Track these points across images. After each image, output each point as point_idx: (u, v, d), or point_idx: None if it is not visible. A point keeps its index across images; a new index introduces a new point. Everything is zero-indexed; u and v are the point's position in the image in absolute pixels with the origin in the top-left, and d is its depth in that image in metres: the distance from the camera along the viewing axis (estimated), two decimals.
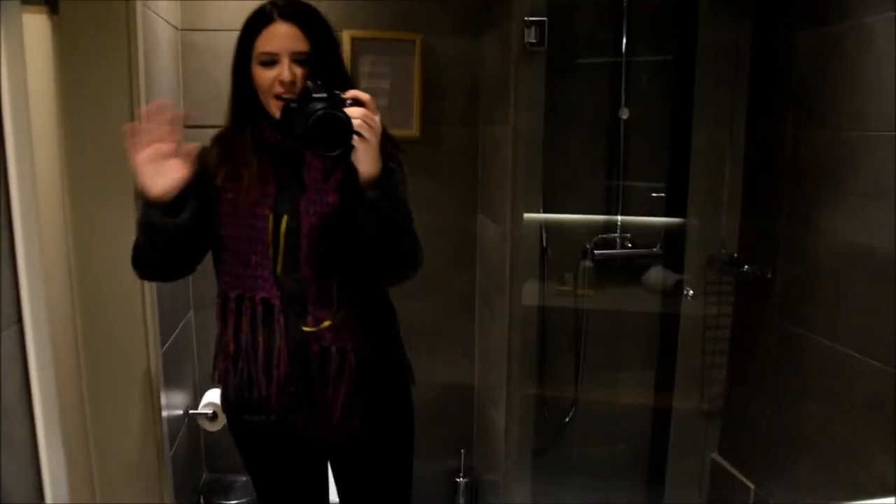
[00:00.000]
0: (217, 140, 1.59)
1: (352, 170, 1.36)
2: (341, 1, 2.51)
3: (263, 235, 1.49)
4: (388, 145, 1.51)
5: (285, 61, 1.43)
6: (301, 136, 1.31)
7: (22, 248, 1.25)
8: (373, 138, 1.32)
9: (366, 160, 1.33)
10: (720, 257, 2.60)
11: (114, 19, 1.89)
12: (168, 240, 1.42)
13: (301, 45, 1.44)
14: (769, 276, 2.34)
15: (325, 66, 1.47)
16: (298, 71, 1.44)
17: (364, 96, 1.34)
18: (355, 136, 1.30)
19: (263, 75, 1.45)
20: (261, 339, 1.51)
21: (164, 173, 1.35)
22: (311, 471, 1.71)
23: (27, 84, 1.29)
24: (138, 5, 1.92)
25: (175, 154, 1.36)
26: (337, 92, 1.34)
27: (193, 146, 1.42)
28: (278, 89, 1.44)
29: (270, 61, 1.44)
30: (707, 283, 2.64)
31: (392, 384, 1.67)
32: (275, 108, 1.46)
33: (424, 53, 2.61)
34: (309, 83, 1.37)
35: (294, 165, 1.50)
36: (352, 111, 1.31)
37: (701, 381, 2.74)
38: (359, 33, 2.52)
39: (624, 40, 2.63)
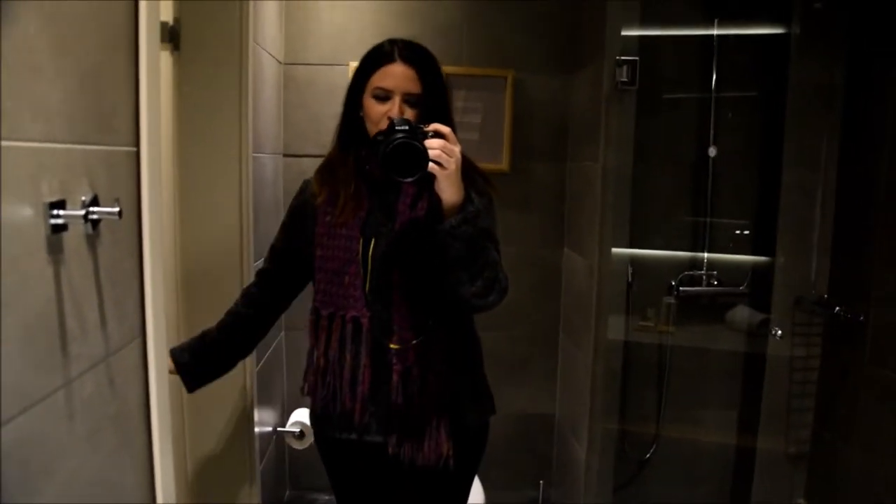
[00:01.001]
0: (321, 167, 1.71)
1: (437, 199, 1.43)
2: (435, 36, 2.61)
3: (356, 257, 1.58)
4: (478, 178, 1.61)
5: (397, 99, 1.53)
6: (380, 162, 1.40)
7: (149, 266, 1.34)
8: (451, 167, 1.39)
9: (446, 188, 1.40)
10: (809, 298, 2.55)
11: (228, 55, 2.02)
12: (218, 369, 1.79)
13: (415, 87, 1.54)
14: (861, 318, 2.29)
15: (433, 109, 1.56)
16: (408, 111, 1.54)
17: (444, 129, 1.42)
18: (435, 166, 1.38)
19: (375, 109, 1.55)
20: (348, 357, 1.59)
21: None
22: (391, 485, 1.75)
23: (160, 114, 1.40)
24: (250, 42, 2.04)
25: None
26: (419, 125, 1.43)
27: None
28: (386, 123, 1.51)
29: (384, 97, 1.54)
30: (795, 324, 2.60)
31: (472, 412, 1.70)
32: None
33: (516, 89, 2.68)
34: (394, 118, 1.46)
35: (389, 193, 1.59)
36: (431, 142, 1.39)
37: (786, 424, 2.68)
38: (452, 69, 2.60)
39: (713, 78, 2.64)
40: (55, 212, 0.87)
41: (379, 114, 1.54)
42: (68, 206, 0.90)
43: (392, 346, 1.56)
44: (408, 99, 1.54)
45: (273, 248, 1.76)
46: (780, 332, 2.56)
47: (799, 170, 2.52)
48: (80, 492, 0.99)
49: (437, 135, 1.41)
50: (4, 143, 0.77)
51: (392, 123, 1.43)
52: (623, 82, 2.27)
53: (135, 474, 1.26)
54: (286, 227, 1.74)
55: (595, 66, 2.42)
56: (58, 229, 0.88)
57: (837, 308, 2.42)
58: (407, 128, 1.41)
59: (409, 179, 1.40)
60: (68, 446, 0.95)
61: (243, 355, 1.81)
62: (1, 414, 0.78)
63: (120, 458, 1.16)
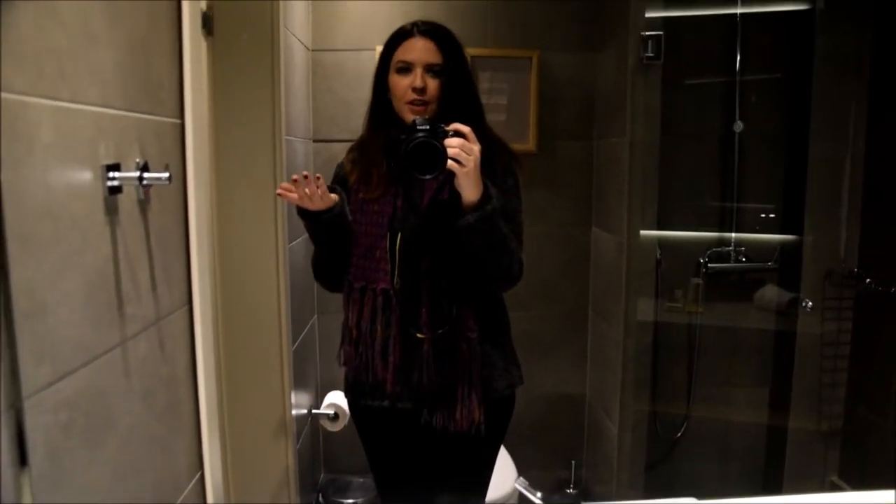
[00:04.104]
0: (353, 147, 1.78)
1: (457, 195, 1.50)
2: (459, 19, 2.63)
3: (386, 232, 1.64)
4: (506, 156, 1.67)
5: (419, 71, 1.60)
6: (400, 160, 1.47)
7: (194, 235, 1.39)
8: (470, 165, 1.44)
9: (465, 185, 1.46)
10: (839, 271, 2.54)
11: (260, 41, 2.06)
12: (333, 248, 1.68)
13: (435, 57, 1.60)
14: (893, 289, 2.29)
15: (454, 79, 1.62)
16: (431, 81, 1.60)
17: (464, 129, 1.47)
18: (454, 163, 1.43)
19: (399, 82, 1.62)
20: (379, 327, 1.64)
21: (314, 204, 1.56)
22: (422, 452, 1.79)
23: (203, 90, 1.44)
24: (281, 28, 2.08)
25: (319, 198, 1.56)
26: (440, 125, 1.49)
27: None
28: (411, 95, 1.60)
29: (406, 69, 1.61)
30: (825, 299, 2.59)
31: (502, 380, 1.73)
32: (407, 114, 1.62)
33: (541, 69, 2.69)
34: (416, 119, 1.53)
35: (416, 181, 1.63)
36: (450, 141, 1.44)
37: (818, 400, 2.68)
38: (477, 51, 2.62)
39: (738, 53, 2.64)
40: (112, 174, 0.91)
41: (403, 87, 1.61)
42: (122, 169, 0.94)
43: (420, 335, 1.62)
44: (429, 69, 1.60)
45: None
46: (810, 303, 2.55)
47: (826, 143, 2.51)
48: (137, 447, 1.03)
49: (458, 134, 1.46)
50: (67, 105, 0.81)
51: (414, 123, 1.49)
52: (648, 57, 2.28)
53: (184, 438, 1.30)
54: None
55: (619, 42, 2.43)
56: (114, 191, 0.92)
57: (868, 280, 2.41)
58: (428, 127, 1.47)
59: (428, 176, 1.46)
60: (125, 402, 0.99)
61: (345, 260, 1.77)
62: (66, 365, 0.82)
63: (170, 420, 1.20)
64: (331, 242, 1.68)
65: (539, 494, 2.12)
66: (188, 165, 1.28)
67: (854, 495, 1.26)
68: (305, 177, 1.51)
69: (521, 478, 2.41)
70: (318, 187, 1.52)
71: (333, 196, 1.58)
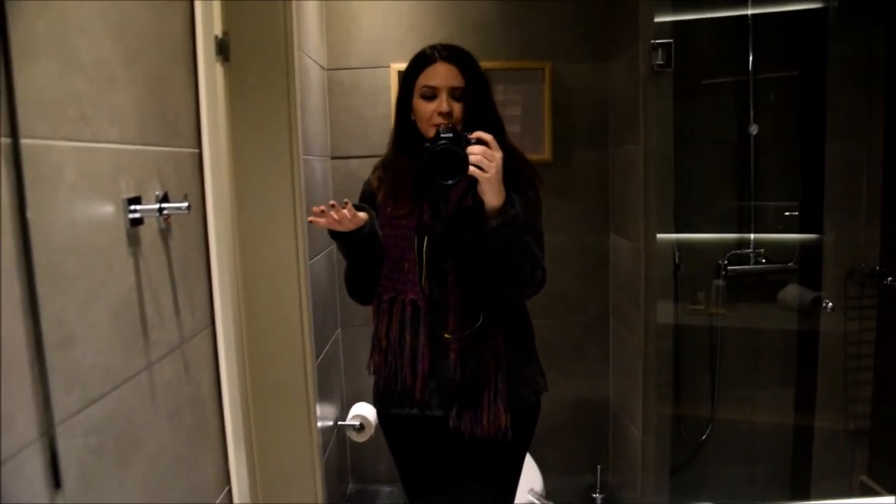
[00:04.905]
0: (379, 164, 1.84)
1: (480, 202, 1.55)
2: (471, 34, 2.67)
3: (413, 245, 1.69)
4: (525, 170, 1.73)
5: (444, 95, 1.65)
6: (424, 167, 1.53)
7: (215, 259, 1.43)
8: (492, 172, 1.49)
9: (488, 191, 1.52)
10: (861, 270, 2.54)
11: (276, 64, 2.11)
12: (364, 263, 1.73)
13: (458, 81, 1.66)
14: None
15: (477, 100, 1.68)
16: (455, 105, 1.66)
17: (486, 137, 1.52)
18: (476, 170, 1.49)
19: (424, 107, 1.67)
20: (408, 337, 1.70)
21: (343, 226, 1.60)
22: (450, 458, 1.83)
23: (218, 119, 1.50)
24: (295, 50, 2.13)
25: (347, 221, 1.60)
26: (463, 133, 1.54)
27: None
28: (437, 119, 1.65)
29: (431, 95, 1.66)
30: (847, 298, 2.58)
31: (527, 387, 1.78)
32: (433, 135, 1.65)
33: (553, 80, 2.72)
34: (441, 127, 1.58)
35: (442, 189, 1.68)
36: (472, 149, 1.50)
37: (844, 399, 2.67)
38: (490, 64, 2.64)
39: (750, 56, 2.64)
40: (133, 207, 0.95)
41: (428, 111, 1.66)
42: (143, 201, 0.98)
43: (447, 335, 1.66)
44: (452, 93, 1.65)
45: None
46: (830, 304, 2.55)
47: (843, 143, 2.51)
48: (165, 466, 1.08)
49: (480, 142, 1.52)
50: (89, 144, 0.86)
51: (438, 132, 1.55)
52: (659, 65, 2.30)
53: (210, 455, 1.35)
54: None
55: (630, 51, 2.45)
56: (135, 223, 0.96)
57: (890, 278, 2.40)
58: (451, 135, 1.53)
59: (450, 182, 1.52)
60: (153, 423, 1.04)
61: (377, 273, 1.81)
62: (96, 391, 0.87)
63: (197, 438, 1.25)
64: (364, 259, 1.73)
65: None
66: (207, 192, 1.33)
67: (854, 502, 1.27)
68: (332, 206, 1.56)
69: (532, 489, 2.44)
70: (346, 211, 1.57)
71: (363, 215, 1.62)
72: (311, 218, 1.60)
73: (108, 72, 0.92)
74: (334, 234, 1.65)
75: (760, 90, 2.67)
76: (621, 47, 2.59)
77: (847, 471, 2.69)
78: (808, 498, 2.73)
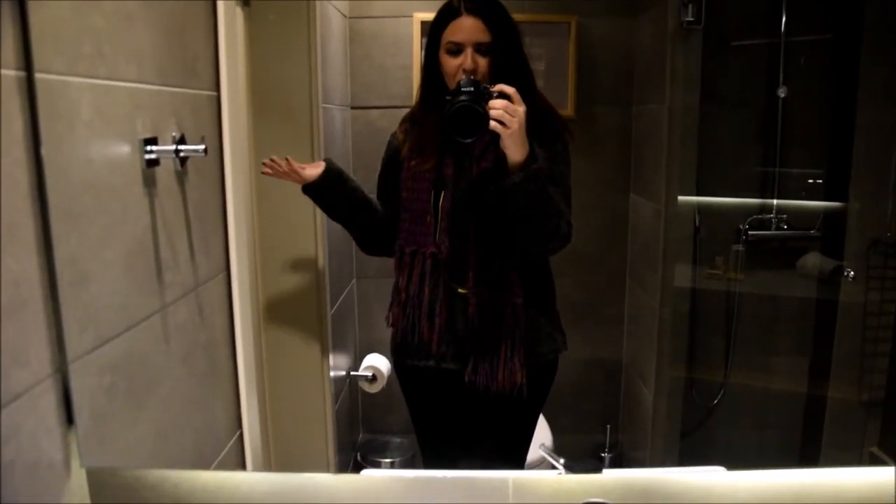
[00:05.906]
0: (405, 119, 1.83)
1: (503, 156, 1.52)
2: None
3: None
4: (557, 125, 1.72)
5: (469, 51, 1.61)
6: (444, 123, 1.50)
7: (231, 204, 1.43)
8: (514, 127, 1.46)
9: (510, 146, 1.48)
10: (885, 241, 2.49)
11: (296, 10, 2.08)
12: (335, 216, 1.83)
13: (484, 36, 1.61)
14: None
15: (505, 56, 1.64)
16: (481, 60, 1.61)
17: (509, 90, 1.48)
18: (497, 125, 1.46)
19: (449, 63, 1.64)
20: (426, 290, 1.71)
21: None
22: (465, 412, 1.85)
23: (237, 62, 1.48)
24: None
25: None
26: (485, 86, 1.51)
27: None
28: (461, 76, 1.61)
29: (456, 50, 1.62)
30: (870, 268, 2.54)
31: (545, 344, 1.78)
32: None
33: (579, 35, 2.66)
34: (462, 80, 1.55)
35: (464, 145, 1.65)
36: (494, 103, 1.46)
37: (860, 370, 2.64)
38: (515, 17, 2.55)
39: (783, 16, 2.57)
40: (149, 147, 0.94)
41: (453, 67, 1.63)
42: (160, 142, 0.97)
43: (461, 289, 1.68)
44: (478, 48, 1.61)
45: (377, 195, 1.89)
46: (852, 273, 2.51)
47: (875, 109, 2.44)
48: (178, 409, 1.09)
49: (502, 95, 1.48)
50: (105, 82, 0.85)
51: (458, 85, 1.52)
52: (688, 22, 2.24)
53: (223, 400, 1.36)
54: (381, 177, 1.88)
55: (659, 6, 2.39)
56: (151, 164, 0.96)
57: None
58: (472, 89, 1.49)
59: (469, 140, 1.49)
60: (166, 365, 1.04)
61: (367, 224, 1.87)
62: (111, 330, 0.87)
63: (210, 383, 1.26)
64: (336, 214, 1.80)
65: (562, 461, 2.15)
66: (224, 136, 1.31)
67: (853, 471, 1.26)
68: (273, 160, 1.64)
69: (543, 444, 2.45)
70: (285, 166, 1.65)
71: (312, 172, 1.69)
72: (262, 169, 1.67)
73: (125, 9, 0.90)
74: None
75: (791, 53, 2.60)
76: (650, 3, 2.52)
77: (858, 441, 2.68)
78: (817, 466, 2.72)
